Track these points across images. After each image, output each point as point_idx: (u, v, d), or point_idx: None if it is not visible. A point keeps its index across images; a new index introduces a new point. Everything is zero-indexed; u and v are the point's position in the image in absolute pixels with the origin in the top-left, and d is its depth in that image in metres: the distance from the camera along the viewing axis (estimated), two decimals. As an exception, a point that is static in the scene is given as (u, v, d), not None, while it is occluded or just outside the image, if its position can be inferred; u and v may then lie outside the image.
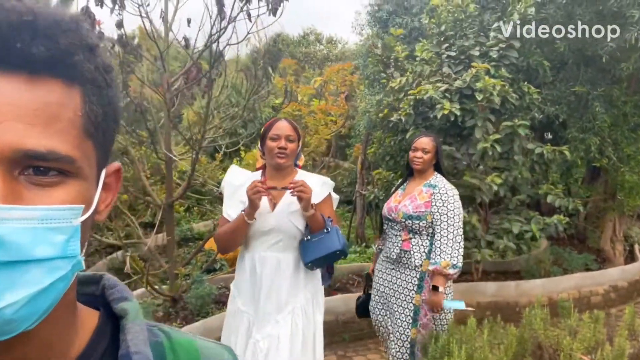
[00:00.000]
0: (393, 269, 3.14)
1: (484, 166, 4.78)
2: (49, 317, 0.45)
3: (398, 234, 3.12)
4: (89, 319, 0.55)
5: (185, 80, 4.56)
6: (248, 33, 3.81)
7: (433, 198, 3.01)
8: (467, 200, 4.75)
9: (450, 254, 2.90)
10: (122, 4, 4.19)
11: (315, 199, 2.33)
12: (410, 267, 3.05)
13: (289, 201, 2.34)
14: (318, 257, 2.29)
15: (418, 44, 5.41)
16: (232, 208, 2.40)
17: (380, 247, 3.42)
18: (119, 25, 4.08)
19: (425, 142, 3.14)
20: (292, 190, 2.21)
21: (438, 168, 3.20)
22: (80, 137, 0.46)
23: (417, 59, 5.19)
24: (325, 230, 2.32)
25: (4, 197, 0.40)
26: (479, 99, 4.38)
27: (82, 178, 0.47)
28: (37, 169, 0.43)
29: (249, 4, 4.13)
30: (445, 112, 4.36)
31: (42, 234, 0.42)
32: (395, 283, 3.10)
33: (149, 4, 4.35)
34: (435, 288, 2.92)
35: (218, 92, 4.67)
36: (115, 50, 4.40)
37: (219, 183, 5.73)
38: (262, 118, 7.35)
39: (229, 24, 4.19)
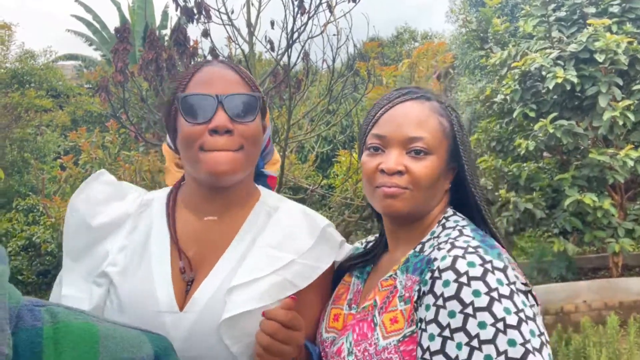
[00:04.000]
0: None
1: (614, 140, 4.06)
2: None
3: None
4: None
5: (273, 82, 4.56)
6: (327, 22, 3.65)
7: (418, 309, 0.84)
8: (597, 182, 4.07)
9: None
10: (208, 14, 4.32)
11: (297, 275, 0.93)
12: None
13: (226, 277, 0.91)
14: None
15: (521, 18, 4.84)
16: (76, 284, 0.93)
17: None
18: (205, 34, 4.20)
19: (413, 114, 0.94)
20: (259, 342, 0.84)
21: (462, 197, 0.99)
22: None
23: (520, 31, 4.64)
24: None
25: None
26: (600, 60, 3.73)
27: None
28: None
29: (328, -6, 4.01)
30: (559, 81, 3.78)
31: None
32: None
33: (232, 11, 4.44)
34: None
35: (304, 95, 4.58)
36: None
37: (313, 184, 5.66)
38: (359, 122, 7.15)
39: (309, 18, 4.11)
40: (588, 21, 4.04)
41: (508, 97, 4.41)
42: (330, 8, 4.01)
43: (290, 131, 3.84)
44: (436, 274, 0.80)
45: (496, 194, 4.74)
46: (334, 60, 3.58)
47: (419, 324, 0.81)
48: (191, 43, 4.54)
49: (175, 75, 4.41)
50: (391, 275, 0.91)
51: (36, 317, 0.42)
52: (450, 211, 0.97)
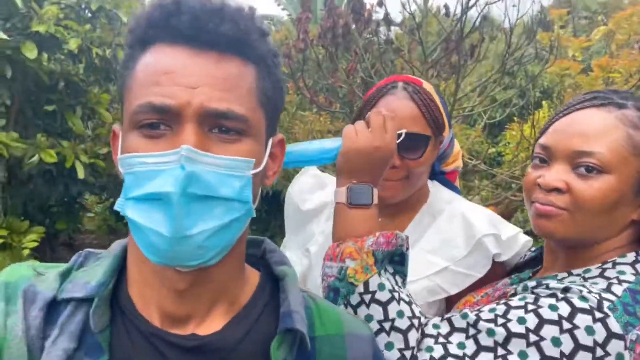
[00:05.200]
0: None
1: None
2: (224, 260, 0.57)
3: None
4: (252, 275, 0.66)
5: (444, 50, 4.46)
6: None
7: None
8: None
9: None
10: (383, -17, 4.38)
11: (448, 282, 1.00)
12: None
13: (427, 248, 1.04)
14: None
15: None
16: (293, 250, 1.19)
17: None
18: (380, 4, 4.28)
19: (588, 124, 0.80)
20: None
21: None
22: (254, 104, 0.57)
23: None
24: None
25: (198, 146, 0.53)
26: None
27: (254, 138, 0.58)
28: (221, 128, 0.55)
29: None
30: None
31: (225, 178, 0.54)
32: None
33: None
34: None
35: (476, 63, 4.37)
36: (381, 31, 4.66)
37: (478, 155, 5.33)
38: (543, 85, 6.53)
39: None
40: None
41: None
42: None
43: (457, 103, 3.75)
44: (542, 287, 0.74)
45: None
46: (511, 31, 3.31)
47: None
48: (366, 9, 4.67)
49: (350, 42, 4.60)
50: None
51: (305, 299, 0.64)
52: (630, 257, 0.77)
